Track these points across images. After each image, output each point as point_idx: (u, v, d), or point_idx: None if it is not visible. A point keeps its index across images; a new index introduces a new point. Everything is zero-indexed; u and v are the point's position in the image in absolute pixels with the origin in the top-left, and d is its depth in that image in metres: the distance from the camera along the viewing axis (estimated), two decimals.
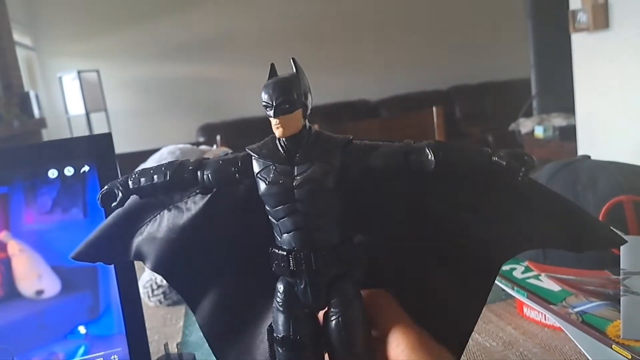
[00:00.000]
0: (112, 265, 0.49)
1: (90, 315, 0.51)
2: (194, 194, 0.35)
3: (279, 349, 0.33)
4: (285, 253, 0.32)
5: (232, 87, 4.13)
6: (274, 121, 0.31)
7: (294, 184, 0.31)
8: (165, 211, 0.36)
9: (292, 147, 0.32)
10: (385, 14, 4.36)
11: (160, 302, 0.74)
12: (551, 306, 0.54)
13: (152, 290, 0.74)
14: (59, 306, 0.50)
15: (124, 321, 0.51)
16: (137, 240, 0.37)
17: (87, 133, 3.21)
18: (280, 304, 0.33)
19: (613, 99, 1.75)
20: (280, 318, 0.33)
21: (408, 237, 0.34)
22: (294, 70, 0.32)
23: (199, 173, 0.34)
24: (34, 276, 0.50)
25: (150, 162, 0.85)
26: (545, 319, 0.56)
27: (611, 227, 0.32)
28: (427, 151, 0.31)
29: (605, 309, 0.52)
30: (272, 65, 0.33)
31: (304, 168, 0.31)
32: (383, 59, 4.42)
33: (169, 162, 0.35)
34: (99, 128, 3.68)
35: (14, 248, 0.50)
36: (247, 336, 0.37)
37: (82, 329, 0.51)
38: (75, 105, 3.61)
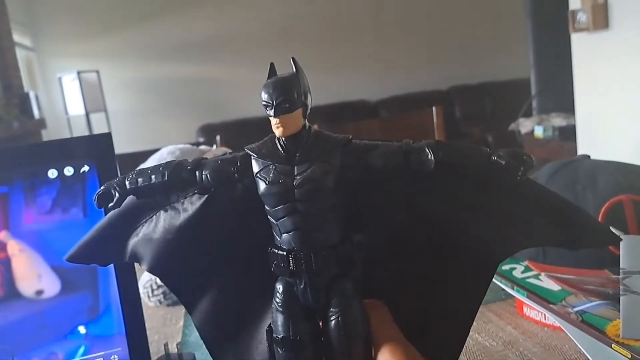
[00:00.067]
0: (112, 265, 0.49)
1: (90, 315, 0.51)
2: (191, 194, 0.35)
3: (279, 350, 0.33)
4: (284, 253, 0.32)
5: (232, 87, 4.12)
6: (274, 120, 0.31)
7: (294, 183, 0.31)
8: (162, 212, 0.36)
9: (291, 146, 0.32)
10: (385, 14, 4.36)
11: (160, 302, 0.74)
12: (551, 306, 0.54)
13: (152, 291, 0.74)
14: (59, 306, 0.50)
15: (124, 321, 0.51)
16: (133, 241, 0.36)
17: (87, 133, 3.21)
18: (280, 304, 0.33)
19: (613, 99, 1.75)
20: (280, 318, 0.33)
21: (407, 237, 0.34)
22: (294, 69, 0.32)
23: (197, 173, 0.34)
24: (33, 276, 0.50)
25: (150, 162, 0.85)
26: (545, 319, 0.56)
27: (610, 227, 0.32)
28: (427, 151, 0.31)
29: (605, 309, 0.52)
30: (272, 65, 0.33)
31: (304, 168, 0.31)
32: (383, 59, 4.42)
33: (166, 162, 0.35)
34: (99, 128, 3.67)
35: (14, 248, 0.50)
36: (245, 337, 0.37)
37: (82, 329, 0.51)
38: (75, 106, 3.61)
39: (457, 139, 3.70)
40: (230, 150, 0.83)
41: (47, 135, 3.55)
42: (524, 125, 2.72)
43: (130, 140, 3.24)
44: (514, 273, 0.62)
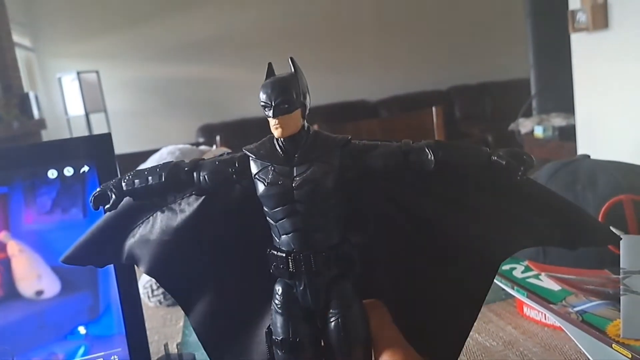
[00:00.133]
0: (112, 266, 0.49)
1: (90, 315, 0.51)
2: (188, 195, 0.35)
3: (278, 351, 0.33)
4: (284, 255, 0.32)
5: (232, 88, 4.12)
6: (272, 121, 0.31)
7: (293, 184, 0.31)
8: (159, 213, 0.35)
9: (290, 147, 0.32)
10: (385, 14, 4.36)
11: (160, 303, 0.74)
12: (551, 305, 0.54)
13: (152, 291, 0.74)
14: (59, 306, 0.50)
15: (124, 321, 0.51)
16: (130, 242, 0.36)
17: (86, 134, 3.21)
18: (279, 305, 0.33)
19: (613, 98, 1.75)
20: (279, 320, 0.33)
21: (407, 237, 0.34)
22: (293, 69, 0.31)
23: (195, 174, 0.34)
24: (33, 276, 0.50)
25: (150, 163, 0.85)
26: (545, 319, 0.56)
27: (609, 226, 0.32)
28: (427, 151, 0.31)
29: (605, 308, 0.52)
30: (270, 65, 0.32)
31: (304, 169, 0.31)
32: (383, 59, 4.42)
33: (163, 163, 0.35)
34: (99, 129, 3.67)
35: (14, 248, 0.50)
36: (243, 338, 0.37)
37: (82, 329, 0.50)
38: (75, 106, 3.61)
39: (457, 139, 3.69)
40: (230, 151, 0.83)
41: (46, 135, 3.55)
42: (524, 125, 2.72)
43: (130, 140, 3.24)
44: (514, 273, 0.62)
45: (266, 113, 0.31)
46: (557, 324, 0.52)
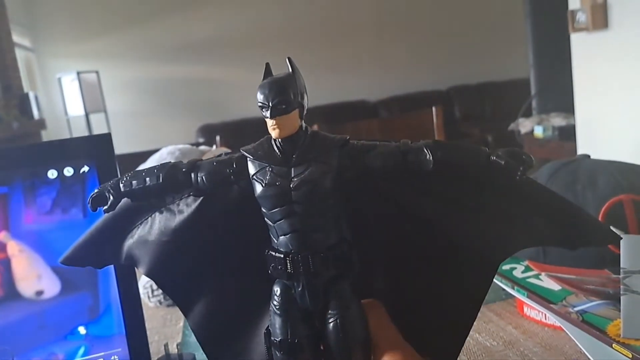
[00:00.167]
0: (112, 266, 0.49)
1: (90, 315, 0.51)
2: (186, 196, 0.34)
3: (277, 352, 0.33)
4: (282, 256, 0.32)
5: (232, 88, 4.12)
6: (270, 122, 0.31)
7: (291, 185, 0.31)
8: (157, 213, 0.35)
9: (288, 148, 0.31)
10: (385, 14, 4.36)
11: (160, 303, 0.74)
12: (551, 305, 0.54)
13: (152, 291, 0.74)
14: (59, 306, 0.50)
15: (124, 321, 0.51)
16: (128, 243, 0.36)
17: (86, 134, 3.21)
18: (277, 307, 0.33)
19: (612, 98, 1.75)
20: (278, 321, 0.33)
21: (406, 237, 0.34)
22: (290, 69, 0.31)
23: (192, 175, 0.33)
24: (33, 277, 0.50)
25: (150, 163, 0.85)
26: (545, 318, 0.56)
27: (610, 226, 0.32)
28: (425, 151, 0.31)
29: (605, 308, 0.52)
30: (267, 65, 0.32)
31: (301, 169, 0.31)
32: (382, 60, 4.42)
33: (161, 164, 0.34)
34: (99, 129, 3.67)
35: (14, 248, 0.50)
36: (242, 339, 0.37)
37: (82, 330, 0.50)
38: (75, 106, 3.61)
39: (457, 139, 3.69)
40: (229, 151, 0.83)
41: (46, 135, 3.55)
42: (524, 125, 2.72)
43: (130, 140, 3.24)
44: (515, 273, 0.62)
45: (263, 114, 0.31)
46: (558, 323, 0.52)
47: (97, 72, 3.73)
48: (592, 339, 0.48)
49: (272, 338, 0.33)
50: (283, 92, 0.30)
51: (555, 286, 0.58)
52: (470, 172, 0.31)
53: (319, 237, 0.32)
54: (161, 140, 1.97)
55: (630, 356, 0.44)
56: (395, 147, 0.32)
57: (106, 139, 0.51)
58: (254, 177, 0.32)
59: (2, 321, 0.49)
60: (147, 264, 0.36)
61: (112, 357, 0.51)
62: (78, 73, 3.55)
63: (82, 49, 3.97)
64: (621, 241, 0.50)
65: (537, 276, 0.60)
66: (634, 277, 0.48)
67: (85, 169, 0.50)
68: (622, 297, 0.48)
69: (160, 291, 0.74)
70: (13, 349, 0.48)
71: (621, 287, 0.49)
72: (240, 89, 3.96)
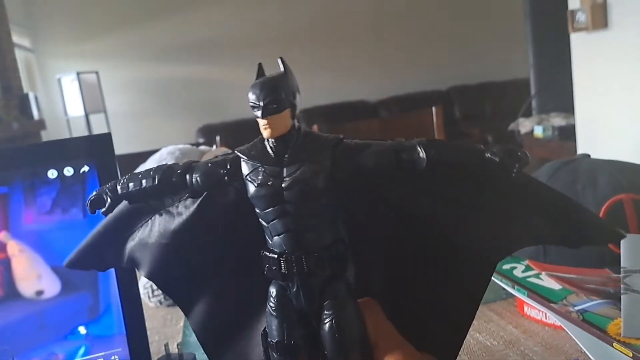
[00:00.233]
0: None
1: (90, 315, 0.51)
2: (184, 198, 0.35)
3: (274, 354, 0.33)
4: (276, 256, 0.32)
5: (231, 88, 4.12)
6: (262, 122, 0.31)
7: (283, 185, 0.31)
8: (157, 216, 0.35)
9: (281, 147, 0.31)
10: (385, 14, 4.36)
11: (161, 303, 0.74)
12: (552, 305, 0.54)
13: (153, 291, 0.74)
14: (59, 306, 0.50)
15: (124, 321, 0.51)
16: (129, 246, 0.36)
17: (86, 134, 3.20)
18: (273, 308, 0.33)
19: (612, 98, 1.75)
20: (274, 323, 0.33)
21: (402, 238, 0.33)
22: (282, 69, 0.31)
23: (187, 176, 0.34)
24: (33, 276, 0.50)
25: (150, 163, 0.85)
26: (546, 318, 0.56)
27: (610, 223, 0.32)
28: (419, 149, 0.30)
29: (606, 307, 0.52)
30: (260, 65, 0.32)
31: (294, 169, 0.31)
32: (382, 60, 4.42)
33: (157, 166, 0.35)
34: (98, 129, 3.67)
35: (14, 248, 0.50)
36: (242, 339, 0.37)
37: (82, 330, 0.50)
38: (75, 107, 3.61)
39: (457, 139, 3.69)
40: (230, 151, 0.83)
41: (46, 136, 3.55)
42: (524, 125, 2.72)
43: (129, 141, 3.23)
44: (515, 272, 0.62)
45: (255, 113, 0.31)
46: (558, 323, 0.52)
47: (96, 73, 3.73)
48: (592, 338, 0.48)
49: (269, 339, 0.33)
50: (274, 92, 0.30)
51: (555, 285, 0.58)
52: (465, 170, 0.30)
53: (313, 237, 0.32)
54: (161, 141, 1.97)
55: (631, 355, 0.44)
56: (388, 146, 0.31)
57: (106, 138, 0.51)
58: (247, 177, 0.32)
59: (2, 321, 0.49)
60: (148, 266, 0.36)
61: (113, 357, 0.51)
62: (78, 73, 3.55)
63: (82, 50, 3.97)
64: (621, 240, 0.50)
65: (537, 275, 0.60)
66: (635, 277, 0.48)
67: (86, 168, 0.50)
68: (622, 297, 0.48)
69: (160, 291, 0.74)
70: (13, 348, 0.48)
71: (621, 286, 0.49)
72: (240, 89, 3.94)
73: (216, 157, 0.34)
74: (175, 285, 0.38)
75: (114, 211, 0.35)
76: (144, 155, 0.96)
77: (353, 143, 0.32)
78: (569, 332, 0.50)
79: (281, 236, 0.32)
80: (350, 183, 0.32)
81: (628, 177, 0.64)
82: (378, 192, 0.32)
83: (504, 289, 0.61)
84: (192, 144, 1.07)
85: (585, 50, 1.84)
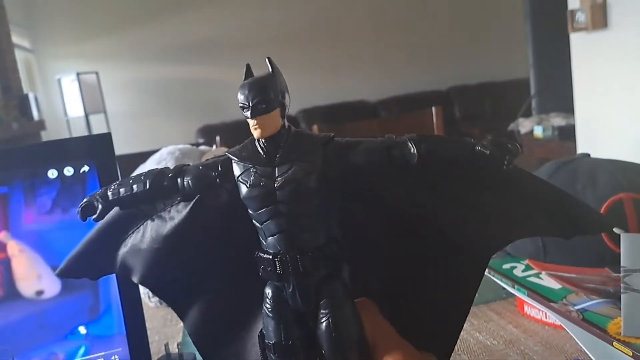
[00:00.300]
0: None
1: (90, 315, 0.51)
2: (176, 202, 0.34)
3: (271, 355, 0.33)
4: (271, 257, 0.32)
5: (231, 89, 4.02)
6: (251, 122, 0.31)
7: (275, 185, 0.30)
8: (149, 221, 0.35)
9: (271, 148, 0.31)
10: (384, 14, 4.36)
11: (161, 303, 0.74)
12: (552, 304, 0.54)
13: None
14: (59, 306, 0.50)
15: (125, 321, 0.51)
16: (122, 252, 0.36)
17: (86, 134, 3.20)
18: (270, 309, 0.33)
19: (612, 98, 1.75)
20: (271, 324, 0.33)
21: (399, 236, 0.33)
22: (270, 69, 0.31)
23: (179, 180, 0.33)
24: (33, 276, 0.50)
25: (150, 163, 0.85)
26: (546, 317, 0.56)
27: (600, 212, 0.32)
28: (409, 145, 0.30)
29: (606, 307, 0.52)
30: (248, 66, 0.32)
31: (285, 169, 0.31)
32: (382, 60, 4.42)
33: (148, 170, 0.35)
34: (98, 130, 3.67)
35: (14, 248, 0.50)
36: (238, 340, 0.37)
37: (82, 329, 0.50)
38: (75, 107, 3.61)
39: None
40: None
41: (46, 136, 3.55)
42: (524, 125, 2.72)
43: (129, 141, 3.23)
44: (515, 272, 0.62)
45: (244, 114, 0.31)
46: (558, 322, 0.52)
47: (96, 73, 3.73)
48: (592, 337, 0.48)
49: (266, 341, 0.33)
50: (263, 92, 0.30)
51: (555, 285, 0.58)
52: (456, 164, 0.30)
53: (307, 237, 0.32)
54: (161, 141, 1.96)
55: (631, 354, 0.44)
56: (379, 142, 0.31)
57: (106, 138, 0.51)
58: (239, 178, 0.32)
59: (2, 321, 0.49)
60: (141, 272, 0.36)
61: (113, 357, 0.51)
62: (78, 74, 3.55)
63: (82, 50, 3.97)
64: (621, 239, 0.50)
65: (537, 275, 0.60)
66: (634, 276, 0.48)
67: (86, 168, 0.50)
68: (622, 296, 0.48)
69: None
70: (13, 348, 0.48)
71: (621, 285, 0.49)
72: None
73: (207, 159, 0.34)
74: (170, 290, 0.37)
75: (106, 217, 0.35)
76: (144, 156, 0.96)
77: (344, 141, 0.32)
78: (569, 332, 0.50)
79: (275, 237, 0.31)
80: (344, 182, 0.32)
81: (628, 177, 0.64)
82: (373, 190, 0.32)
83: (504, 288, 0.61)
84: (192, 144, 1.06)
85: (585, 50, 1.84)
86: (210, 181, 0.33)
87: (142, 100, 4.16)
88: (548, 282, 0.58)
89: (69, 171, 0.50)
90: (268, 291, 0.33)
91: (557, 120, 2.54)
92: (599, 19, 1.70)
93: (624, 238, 0.50)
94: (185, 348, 0.61)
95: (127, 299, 0.51)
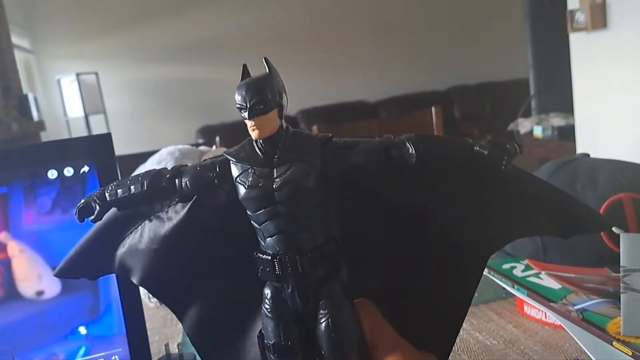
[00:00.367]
0: None
1: (90, 315, 0.51)
2: (174, 202, 0.34)
3: (271, 355, 0.33)
4: (269, 257, 0.32)
5: (231, 89, 3.95)
6: (249, 123, 0.31)
7: (273, 186, 0.30)
8: (147, 222, 0.35)
9: (269, 148, 0.31)
10: (384, 15, 4.36)
11: (161, 303, 0.74)
12: (551, 304, 0.54)
13: None
14: (59, 307, 0.50)
15: (125, 321, 0.51)
16: (120, 253, 0.36)
17: (86, 135, 3.20)
18: (269, 310, 0.33)
19: (612, 98, 1.75)
20: (270, 324, 0.33)
21: (398, 236, 0.33)
22: (267, 70, 0.31)
23: (176, 181, 0.33)
24: (34, 277, 0.50)
25: (150, 163, 0.85)
26: (545, 317, 0.56)
27: (605, 218, 0.32)
28: (408, 144, 0.30)
29: (605, 306, 0.52)
30: (245, 67, 0.32)
31: (283, 169, 0.31)
32: (382, 60, 4.43)
33: (145, 171, 0.34)
34: (98, 130, 3.67)
35: (14, 249, 0.50)
36: (237, 341, 0.37)
37: (82, 330, 0.50)
38: (74, 108, 3.61)
39: None
40: None
41: (46, 137, 3.55)
42: (523, 125, 2.72)
43: (129, 141, 3.23)
44: (515, 272, 0.62)
45: (242, 115, 0.31)
46: (558, 322, 0.52)
47: (96, 74, 3.73)
48: (592, 337, 0.48)
49: (265, 341, 0.33)
50: (260, 93, 0.30)
51: (555, 285, 0.58)
52: (454, 164, 0.30)
53: (306, 237, 0.32)
54: (161, 141, 1.96)
55: (631, 354, 0.44)
56: (377, 142, 0.31)
57: (106, 138, 0.51)
58: (237, 179, 0.31)
59: (3, 321, 0.49)
60: (139, 273, 0.36)
61: (113, 357, 0.51)
62: (77, 74, 3.55)
63: (82, 50, 3.97)
64: (621, 239, 0.51)
65: (537, 275, 0.61)
66: (634, 276, 0.48)
67: (86, 169, 0.50)
68: (622, 295, 0.48)
69: None
70: (13, 349, 0.48)
71: (621, 285, 0.49)
72: None
73: (205, 160, 0.34)
74: (168, 290, 0.37)
75: (103, 218, 0.35)
76: (144, 156, 0.96)
77: (342, 141, 0.32)
78: (568, 331, 0.50)
79: (274, 237, 0.31)
80: (343, 182, 0.32)
81: (628, 177, 0.64)
82: (372, 190, 0.32)
83: (503, 288, 0.61)
84: (192, 145, 1.06)
85: (584, 50, 1.84)
86: (208, 182, 0.33)
87: (141, 100, 4.16)
88: (548, 282, 0.58)
89: (69, 171, 0.50)
90: (267, 292, 0.33)
91: (557, 121, 2.54)
92: (599, 19, 1.71)
93: (624, 238, 0.50)
94: (186, 348, 0.61)
95: (127, 299, 0.51)
